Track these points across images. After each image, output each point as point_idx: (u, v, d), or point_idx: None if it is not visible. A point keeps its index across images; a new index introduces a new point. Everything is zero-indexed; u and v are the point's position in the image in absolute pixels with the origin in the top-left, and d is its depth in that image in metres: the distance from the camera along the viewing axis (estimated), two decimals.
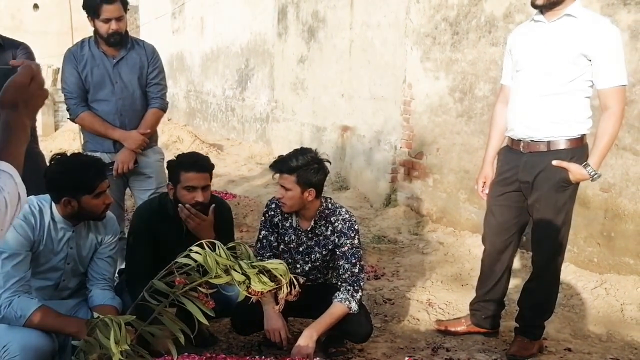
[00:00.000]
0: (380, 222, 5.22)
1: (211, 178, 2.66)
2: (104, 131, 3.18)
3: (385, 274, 3.97)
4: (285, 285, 2.11)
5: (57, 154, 2.42)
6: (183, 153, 2.82)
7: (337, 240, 2.68)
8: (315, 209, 2.66)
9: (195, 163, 2.60)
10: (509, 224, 2.83)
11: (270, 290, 2.13)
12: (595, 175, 2.56)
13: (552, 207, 2.65)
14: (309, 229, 2.70)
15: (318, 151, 2.66)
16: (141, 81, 3.26)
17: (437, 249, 4.51)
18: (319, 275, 2.79)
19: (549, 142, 2.62)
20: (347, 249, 2.65)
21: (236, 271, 2.05)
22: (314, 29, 6.93)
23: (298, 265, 2.73)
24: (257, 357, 2.40)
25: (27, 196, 1.17)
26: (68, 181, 2.27)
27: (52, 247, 2.34)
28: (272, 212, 2.75)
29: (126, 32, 3.20)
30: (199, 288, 2.09)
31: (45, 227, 2.31)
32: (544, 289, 2.80)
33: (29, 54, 3.15)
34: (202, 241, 2.10)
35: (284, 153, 2.67)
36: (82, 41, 3.26)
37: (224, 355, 2.40)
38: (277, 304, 2.25)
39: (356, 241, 2.68)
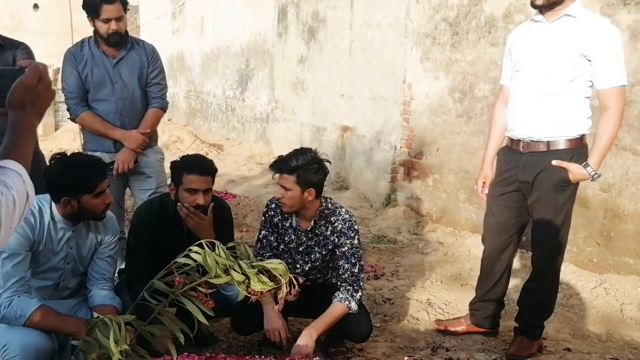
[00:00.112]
0: (380, 222, 5.22)
1: (213, 181, 2.66)
2: (104, 131, 3.18)
3: (385, 273, 3.98)
4: (284, 285, 2.11)
5: (57, 154, 2.41)
6: (187, 154, 2.82)
7: (337, 240, 2.68)
8: (315, 209, 2.66)
9: (199, 165, 2.59)
10: (509, 224, 2.84)
11: (269, 290, 2.13)
12: (595, 175, 2.57)
13: (552, 207, 2.65)
14: (308, 229, 2.70)
15: (318, 151, 2.67)
16: (141, 81, 3.26)
17: (437, 249, 4.51)
18: (319, 275, 2.79)
19: (548, 142, 2.62)
20: (347, 249, 2.65)
21: (236, 271, 2.06)
22: (314, 29, 6.93)
23: (298, 265, 2.74)
24: (256, 356, 2.40)
25: None
26: (68, 181, 2.27)
27: (52, 246, 2.34)
28: (272, 212, 2.75)
29: (126, 32, 3.20)
30: (199, 288, 2.09)
31: (45, 227, 2.31)
32: (543, 289, 2.80)
33: (28, 54, 3.15)
34: (202, 241, 2.10)
35: (284, 153, 2.67)
36: (82, 41, 3.26)
37: (223, 355, 2.40)
38: (277, 303, 2.25)
39: (356, 241, 2.68)
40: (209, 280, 2.06)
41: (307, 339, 2.48)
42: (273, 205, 2.76)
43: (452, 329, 3.07)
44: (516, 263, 3.66)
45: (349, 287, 2.60)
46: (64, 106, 3.32)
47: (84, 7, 3.09)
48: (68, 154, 2.46)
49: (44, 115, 1.27)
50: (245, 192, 6.17)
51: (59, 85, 3.61)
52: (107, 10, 3.02)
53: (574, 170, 2.57)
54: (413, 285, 3.78)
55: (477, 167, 3.21)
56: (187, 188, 2.55)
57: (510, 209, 2.82)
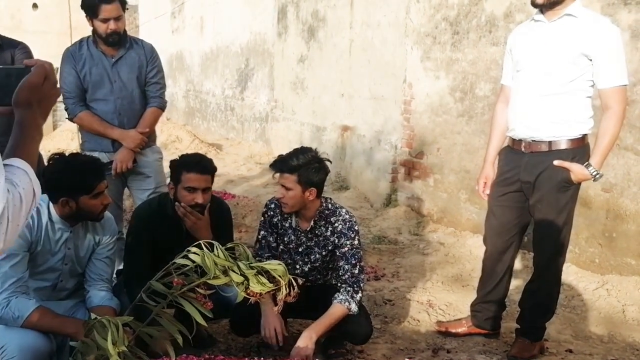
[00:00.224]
0: (381, 222, 5.20)
1: (213, 181, 2.64)
2: (103, 130, 3.17)
3: (385, 274, 3.96)
4: (284, 286, 2.09)
5: (56, 154, 2.40)
6: (187, 153, 2.80)
7: (337, 240, 2.66)
8: (315, 209, 2.65)
9: (198, 164, 2.58)
10: (510, 225, 2.82)
11: (269, 292, 2.11)
12: (597, 175, 2.55)
13: (554, 207, 2.64)
14: (308, 229, 2.68)
15: (318, 151, 2.65)
16: (140, 80, 3.25)
17: (438, 249, 4.49)
18: (319, 276, 2.78)
19: (550, 142, 2.61)
20: (347, 250, 2.63)
21: (234, 272, 2.04)
22: (314, 28, 6.92)
23: (297, 266, 2.72)
24: (255, 358, 2.39)
25: None
26: (66, 181, 2.25)
27: (49, 247, 2.33)
28: (272, 213, 2.73)
29: (125, 31, 3.19)
30: (197, 289, 2.08)
31: (42, 228, 2.29)
32: (545, 290, 2.79)
33: (27, 53, 3.14)
34: (201, 242, 2.09)
35: (284, 153, 2.65)
36: (81, 41, 3.25)
37: (222, 357, 2.39)
38: (276, 305, 2.23)
39: (356, 242, 2.66)
40: (208, 281, 2.05)
41: (306, 340, 2.46)
42: (272, 206, 2.74)
43: (453, 330, 3.05)
44: (518, 264, 3.65)
45: (349, 288, 2.58)
46: (62, 106, 3.30)
47: (83, 6, 3.07)
48: (66, 154, 2.45)
49: (49, 114, 1.27)
50: (244, 192, 6.15)
51: (58, 85, 3.59)
52: (106, 10, 3.01)
53: (576, 170, 2.56)
54: (414, 286, 3.76)
55: (478, 167, 3.20)
56: (186, 186, 2.54)
57: (511, 210, 2.80)
